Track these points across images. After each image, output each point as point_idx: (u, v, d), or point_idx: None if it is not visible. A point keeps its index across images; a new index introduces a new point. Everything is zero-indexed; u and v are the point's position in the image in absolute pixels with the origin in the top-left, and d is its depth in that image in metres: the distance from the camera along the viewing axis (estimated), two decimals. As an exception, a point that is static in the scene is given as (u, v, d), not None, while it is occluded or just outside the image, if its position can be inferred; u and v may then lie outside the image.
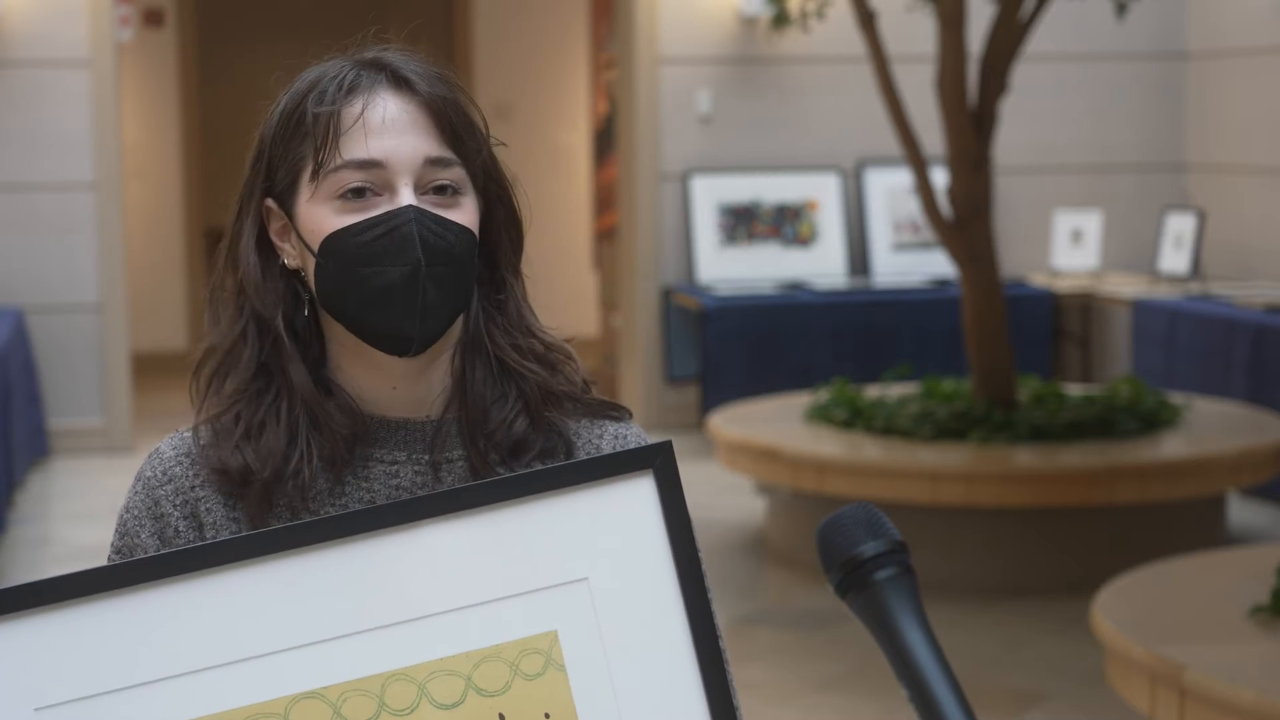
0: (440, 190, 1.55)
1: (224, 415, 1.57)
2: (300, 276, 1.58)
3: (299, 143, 1.55)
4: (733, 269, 8.94)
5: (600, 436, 1.65)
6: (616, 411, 1.67)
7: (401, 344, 1.54)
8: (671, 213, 9.04)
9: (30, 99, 8.45)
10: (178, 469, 1.58)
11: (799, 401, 7.04)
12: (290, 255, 1.58)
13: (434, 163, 1.54)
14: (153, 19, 11.33)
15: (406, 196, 1.52)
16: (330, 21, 12.76)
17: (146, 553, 1.57)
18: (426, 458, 1.59)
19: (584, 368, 1.67)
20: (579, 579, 1.42)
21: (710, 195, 8.99)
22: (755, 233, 9.02)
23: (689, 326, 8.91)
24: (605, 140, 10.50)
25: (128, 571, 1.36)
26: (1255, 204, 8.73)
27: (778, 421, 6.68)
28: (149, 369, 10.87)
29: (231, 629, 1.37)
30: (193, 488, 1.57)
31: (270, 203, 1.59)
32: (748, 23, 9.00)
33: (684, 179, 9.01)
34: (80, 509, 7.44)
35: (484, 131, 1.60)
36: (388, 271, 1.52)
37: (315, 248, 1.54)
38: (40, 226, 8.48)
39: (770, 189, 9.05)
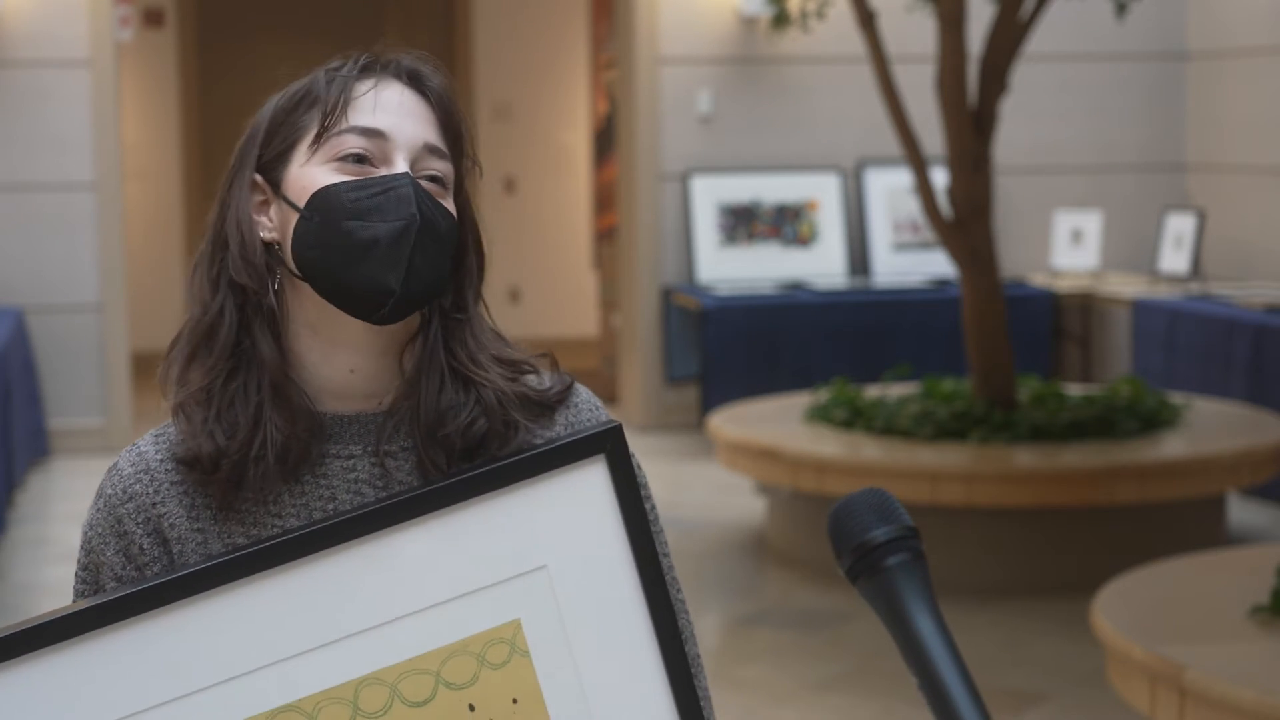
0: (432, 180, 1.58)
1: (197, 395, 1.57)
2: (275, 251, 1.58)
3: (304, 111, 1.59)
4: (733, 269, 8.94)
5: (552, 425, 1.64)
6: (560, 396, 1.64)
7: (379, 297, 1.53)
8: (671, 213, 9.04)
9: (30, 99, 8.45)
10: (137, 486, 1.58)
11: (799, 401, 7.04)
12: (268, 228, 1.59)
13: (431, 150, 1.58)
14: (153, 19, 11.33)
15: (402, 167, 1.56)
16: (330, 21, 12.77)
17: (112, 569, 1.58)
18: (381, 448, 1.60)
19: (553, 377, 1.65)
20: (538, 567, 1.46)
21: (710, 195, 8.99)
22: (755, 233, 9.02)
23: (689, 326, 8.91)
24: (605, 140, 10.50)
25: (92, 615, 1.40)
26: (1255, 204, 8.73)
27: (778, 421, 6.68)
28: (149, 369, 10.84)
29: (204, 655, 1.40)
30: (154, 504, 1.57)
31: (256, 177, 1.61)
32: (748, 23, 9.00)
33: (684, 179, 9.01)
34: (80, 509, 7.43)
35: (471, 157, 1.64)
36: (376, 226, 1.53)
37: (303, 205, 1.55)
38: (40, 226, 8.48)
39: (770, 189, 9.05)
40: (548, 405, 1.64)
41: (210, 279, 1.59)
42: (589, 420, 1.65)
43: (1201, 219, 8.66)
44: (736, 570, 6.45)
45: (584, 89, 11.62)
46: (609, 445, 1.47)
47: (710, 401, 8.23)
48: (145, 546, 1.57)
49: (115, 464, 1.61)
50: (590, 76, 11.30)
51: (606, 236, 10.37)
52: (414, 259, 1.53)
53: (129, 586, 1.47)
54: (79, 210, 8.51)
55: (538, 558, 1.46)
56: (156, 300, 11.32)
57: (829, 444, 6.29)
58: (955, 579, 5.97)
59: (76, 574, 1.61)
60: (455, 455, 1.57)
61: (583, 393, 1.67)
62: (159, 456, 1.59)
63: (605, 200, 10.63)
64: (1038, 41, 8.02)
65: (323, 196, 1.54)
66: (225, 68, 13.12)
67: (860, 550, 1.35)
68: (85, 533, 1.60)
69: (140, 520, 1.57)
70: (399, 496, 1.47)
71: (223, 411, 1.56)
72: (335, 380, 1.59)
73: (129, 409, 8.66)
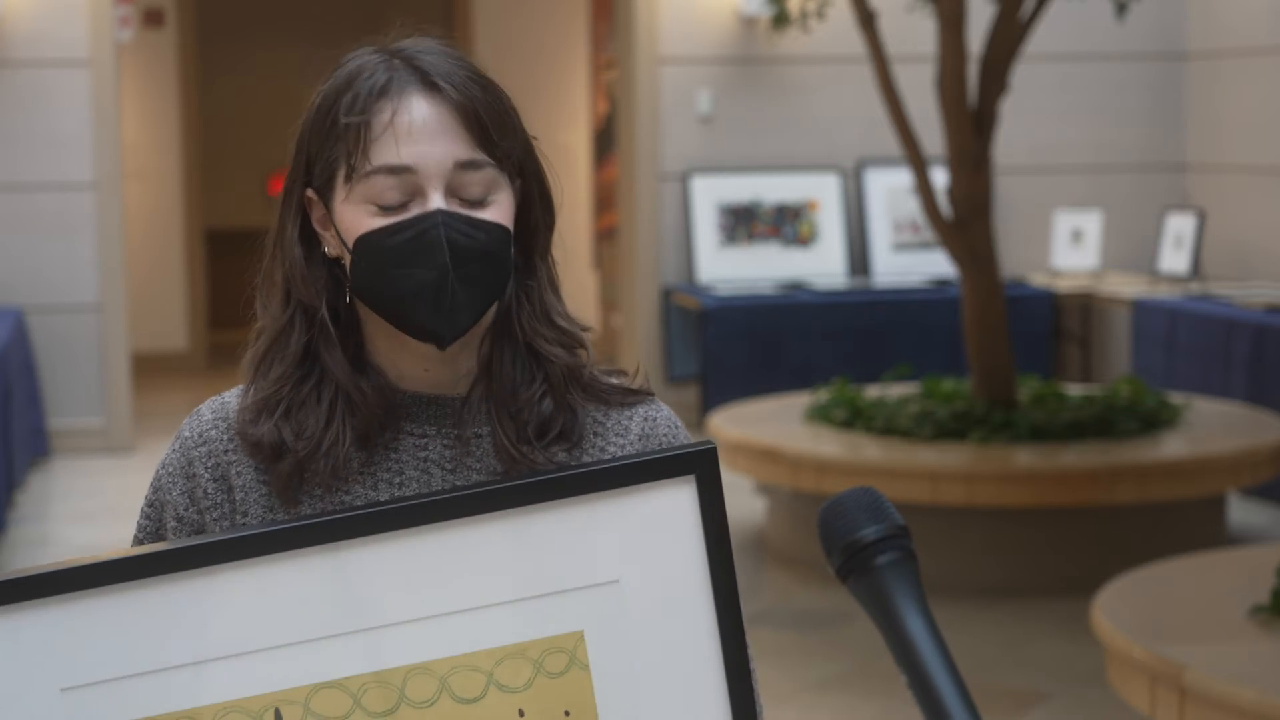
0: (473, 190, 1.58)
1: (269, 399, 1.61)
2: (340, 264, 1.62)
3: (332, 144, 1.58)
4: (733, 269, 8.94)
5: (630, 418, 1.67)
6: (637, 396, 1.69)
7: (433, 340, 1.58)
8: (671, 213, 9.04)
9: (30, 99, 8.45)
10: (213, 432, 1.63)
11: (799, 401, 7.04)
12: (331, 244, 1.62)
13: (464, 165, 1.57)
14: (153, 19, 11.33)
15: (436, 201, 1.55)
16: (330, 22, 12.76)
17: (175, 508, 1.63)
18: (455, 432, 1.62)
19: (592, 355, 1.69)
20: (610, 581, 1.42)
21: (710, 195, 8.99)
22: (755, 233, 9.02)
23: (689, 326, 8.91)
24: (605, 140, 10.51)
25: (156, 560, 1.38)
26: (1255, 204, 8.73)
27: (778, 421, 6.68)
28: (149, 369, 10.87)
29: (257, 618, 1.38)
30: (225, 451, 1.62)
31: (311, 193, 1.62)
32: (748, 23, 9.00)
33: (684, 179, 9.01)
34: (80, 509, 7.43)
35: (518, 124, 1.63)
36: (417, 274, 1.55)
37: (350, 244, 1.58)
38: (40, 226, 8.48)
39: (770, 189, 9.05)
40: (618, 400, 1.66)
41: (278, 289, 1.63)
42: (665, 435, 1.67)
43: (1201, 219, 8.66)
44: (736, 570, 6.45)
45: (584, 89, 11.62)
46: (701, 467, 1.43)
47: (710, 401, 8.23)
48: (209, 491, 1.61)
49: (198, 409, 1.66)
50: (590, 76, 11.30)
51: (606, 236, 10.37)
52: (456, 301, 1.56)
53: (182, 540, 1.46)
54: (79, 210, 8.51)
55: (610, 571, 1.42)
56: (156, 300, 11.32)
57: (829, 444, 6.29)
58: (955, 579, 5.98)
59: (142, 509, 1.66)
60: (529, 436, 1.60)
61: (664, 409, 1.69)
62: (239, 408, 1.64)
63: (605, 200, 10.62)
64: (1038, 41, 8.02)
65: (364, 243, 1.57)
66: (225, 68, 13.12)
67: (850, 549, 1.34)
68: (157, 471, 1.65)
69: (210, 465, 1.62)
70: (478, 487, 1.44)
71: (293, 412, 1.60)
72: (413, 374, 1.63)
73: (129, 409, 8.66)
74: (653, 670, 1.41)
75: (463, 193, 1.57)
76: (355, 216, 1.57)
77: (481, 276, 1.57)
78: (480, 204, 1.58)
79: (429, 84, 1.58)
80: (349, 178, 1.57)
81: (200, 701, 1.37)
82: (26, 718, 1.35)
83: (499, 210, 1.59)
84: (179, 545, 1.40)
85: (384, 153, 1.55)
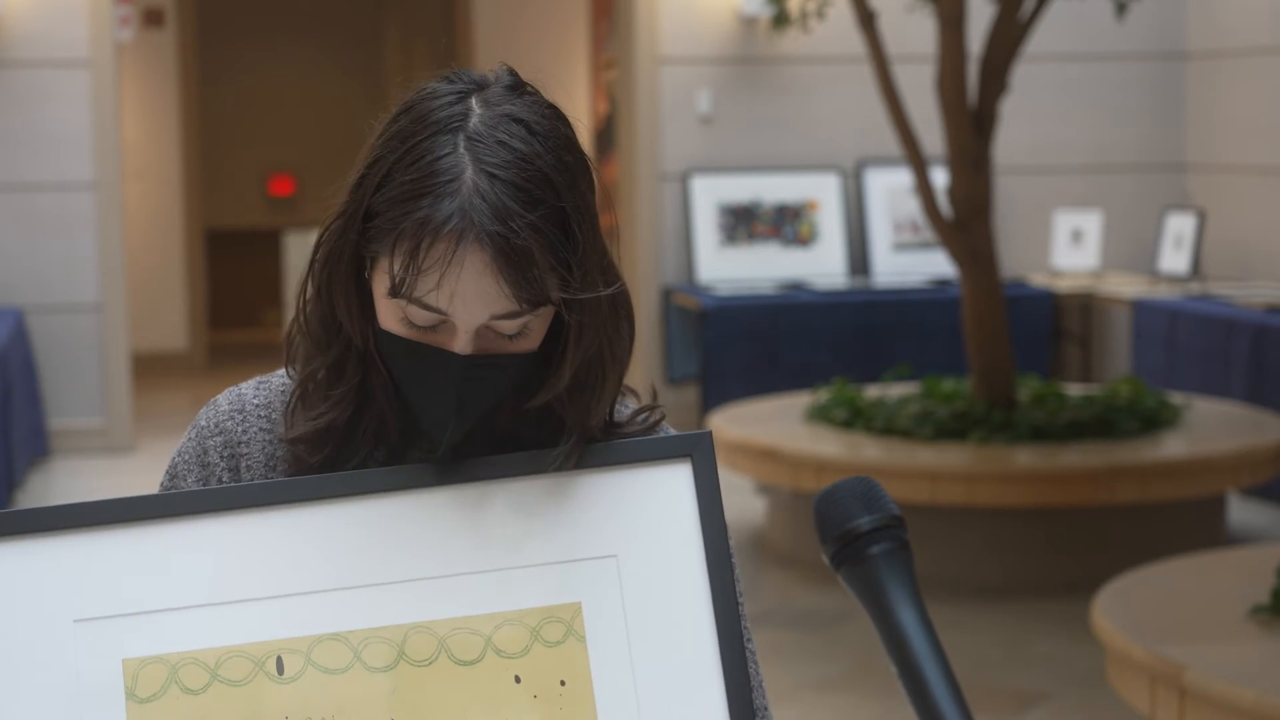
0: (507, 328, 1.49)
1: (323, 432, 1.58)
2: None
3: (387, 229, 1.49)
4: (733, 269, 8.94)
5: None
6: (647, 430, 1.62)
7: (430, 441, 1.54)
8: (671, 213, 9.05)
9: (30, 99, 8.45)
10: (229, 423, 1.64)
11: (799, 401, 7.04)
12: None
13: (501, 316, 1.48)
14: (153, 19, 11.33)
15: (461, 344, 1.48)
16: (330, 22, 12.76)
17: None
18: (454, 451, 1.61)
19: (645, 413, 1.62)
20: (608, 555, 1.46)
21: (710, 195, 8.99)
22: (755, 233, 9.02)
23: (689, 326, 8.91)
24: (605, 140, 10.51)
25: (172, 502, 1.44)
26: (1255, 204, 8.73)
27: (778, 421, 6.68)
28: (149, 369, 10.87)
29: (265, 567, 1.42)
30: (239, 443, 1.63)
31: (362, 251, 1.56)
32: (748, 23, 9.00)
33: (684, 179, 9.01)
34: (80, 509, 7.43)
35: (583, 240, 1.53)
36: (421, 401, 1.51)
37: (379, 322, 1.52)
38: (40, 226, 8.48)
39: (770, 189, 9.05)
40: (625, 435, 1.60)
41: (330, 315, 1.57)
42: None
43: (1201, 219, 8.66)
44: (737, 569, 6.45)
45: (584, 89, 11.62)
46: (696, 450, 1.49)
47: (710, 401, 8.23)
48: (224, 479, 1.63)
49: (215, 400, 1.67)
50: (590, 76, 11.30)
51: (607, 236, 10.38)
52: (454, 435, 1.49)
53: (197, 489, 1.52)
54: (79, 210, 8.51)
55: (608, 546, 1.46)
56: (156, 300, 11.32)
57: (829, 444, 6.29)
58: (956, 579, 5.98)
59: None
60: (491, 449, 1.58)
61: (668, 430, 1.63)
62: (256, 401, 1.64)
63: (605, 200, 10.63)
64: (1038, 41, 8.02)
65: (387, 340, 1.51)
66: (225, 68, 13.12)
67: (844, 538, 1.35)
68: (173, 458, 1.66)
69: (225, 455, 1.63)
70: (487, 458, 1.48)
71: (340, 438, 1.59)
72: None
73: (129, 409, 8.66)
74: (648, 644, 1.45)
75: (497, 327, 1.48)
76: (387, 309, 1.51)
77: (487, 399, 1.50)
78: (509, 343, 1.50)
79: (489, 231, 1.45)
80: (389, 286, 1.48)
81: (205, 644, 1.40)
82: (41, 643, 1.39)
83: (529, 340, 1.51)
84: (193, 491, 1.45)
85: (427, 291, 1.46)
